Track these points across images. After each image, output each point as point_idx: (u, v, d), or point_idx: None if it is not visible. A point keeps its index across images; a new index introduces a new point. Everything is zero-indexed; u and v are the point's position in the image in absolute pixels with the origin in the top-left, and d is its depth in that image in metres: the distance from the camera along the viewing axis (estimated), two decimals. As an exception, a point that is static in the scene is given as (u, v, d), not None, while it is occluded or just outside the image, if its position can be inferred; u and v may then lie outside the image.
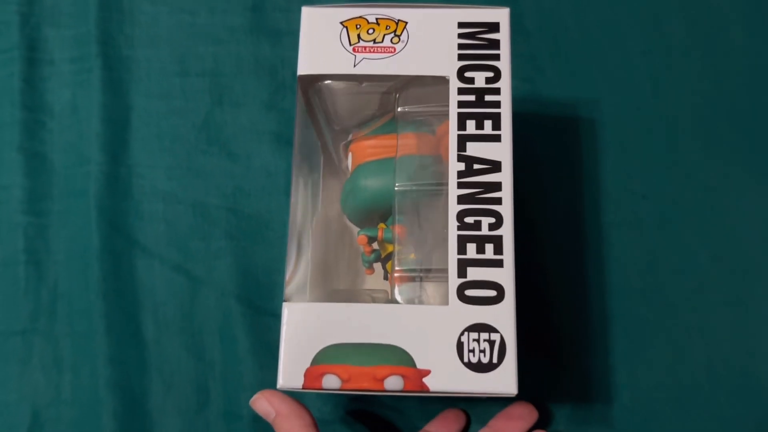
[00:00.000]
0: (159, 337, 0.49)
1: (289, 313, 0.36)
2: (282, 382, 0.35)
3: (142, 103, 0.53)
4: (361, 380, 0.35)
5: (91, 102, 0.53)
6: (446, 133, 0.38)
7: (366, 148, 0.43)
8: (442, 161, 0.40)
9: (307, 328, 0.36)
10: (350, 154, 0.44)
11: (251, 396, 0.48)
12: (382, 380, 0.35)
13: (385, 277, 0.44)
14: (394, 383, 0.35)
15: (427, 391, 0.34)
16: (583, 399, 0.48)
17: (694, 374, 0.49)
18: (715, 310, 0.50)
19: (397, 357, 0.35)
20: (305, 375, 0.35)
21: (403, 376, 0.35)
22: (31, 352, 0.49)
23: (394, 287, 0.40)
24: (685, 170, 0.52)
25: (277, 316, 0.49)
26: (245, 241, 0.50)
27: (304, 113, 0.41)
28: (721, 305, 0.50)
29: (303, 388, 0.35)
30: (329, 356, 0.35)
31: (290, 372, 0.35)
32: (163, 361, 0.49)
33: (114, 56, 0.54)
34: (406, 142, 0.41)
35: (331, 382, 0.35)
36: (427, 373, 0.35)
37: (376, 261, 0.44)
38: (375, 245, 0.43)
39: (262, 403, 0.40)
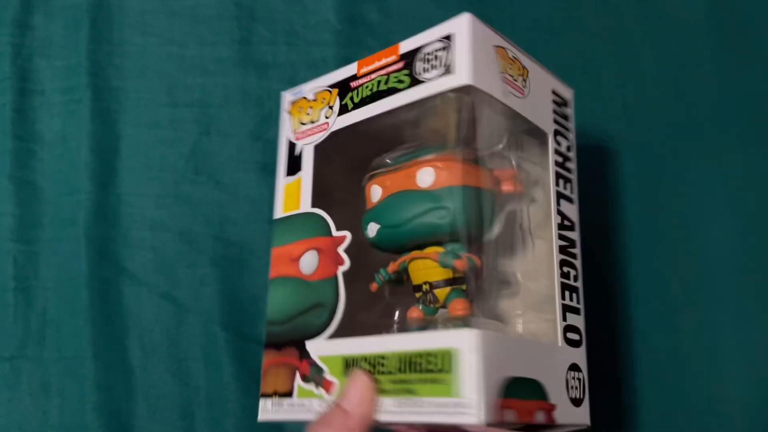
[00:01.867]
0: (145, 362, 0.50)
1: (482, 342, 0.34)
2: (483, 417, 0.33)
3: (131, 132, 0.55)
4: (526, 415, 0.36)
5: (81, 131, 0.54)
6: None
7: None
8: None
9: (493, 359, 0.34)
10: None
11: (235, 421, 0.49)
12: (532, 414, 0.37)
13: (425, 302, 0.42)
14: (540, 417, 0.37)
15: (553, 424, 0.38)
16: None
17: (662, 399, 0.50)
18: (685, 335, 0.51)
19: (541, 392, 0.37)
20: (494, 407, 0.34)
21: (546, 411, 0.38)
22: (20, 378, 0.50)
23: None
24: (656, 198, 0.54)
25: (260, 343, 0.50)
26: (231, 269, 0.52)
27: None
28: (691, 331, 0.51)
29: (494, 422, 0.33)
30: (514, 390, 0.35)
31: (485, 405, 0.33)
32: (149, 386, 0.50)
33: (104, 87, 0.55)
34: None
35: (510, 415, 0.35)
36: (553, 407, 0.38)
37: (389, 280, 0.44)
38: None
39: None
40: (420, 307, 0.42)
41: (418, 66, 0.40)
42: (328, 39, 0.56)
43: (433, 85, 0.39)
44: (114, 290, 0.51)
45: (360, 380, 0.36)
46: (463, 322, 0.40)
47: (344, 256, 0.41)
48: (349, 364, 0.38)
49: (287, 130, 0.46)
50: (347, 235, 0.41)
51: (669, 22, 0.56)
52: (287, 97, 0.46)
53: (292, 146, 0.45)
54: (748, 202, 0.53)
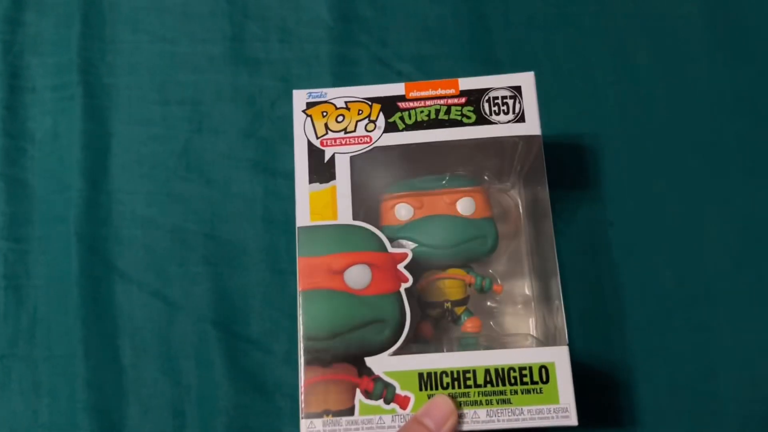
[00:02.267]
0: (136, 361, 0.50)
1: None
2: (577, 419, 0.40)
3: (123, 130, 0.55)
4: None
5: (72, 129, 0.54)
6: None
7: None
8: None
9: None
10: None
11: (227, 420, 0.49)
12: None
13: (446, 319, 0.48)
14: None
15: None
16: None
17: (656, 397, 0.50)
18: (679, 333, 0.51)
19: None
20: None
21: None
22: (10, 377, 0.50)
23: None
24: (651, 197, 0.54)
25: (252, 341, 0.50)
26: (222, 267, 0.52)
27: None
28: (684, 329, 0.51)
29: None
30: None
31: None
32: (140, 385, 0.50)
33: (95, 84, 0.55)
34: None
35: None
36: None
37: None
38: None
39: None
40: (431, 324, 0.47)
41: (486, 107, 0.44)
42: (322, 36, 0.56)
43: (505, 128, 0.44)
44: (105, 288, 0.51)
45: (444, 401, 0.39)
46: (476, 337, 0.47)
47: (407, 273, 0.43)
48: (427, 378, 0.40)
49: (307, 132, 0.45)
50: (408, 253, 0.43)
51: (663, 19, 0.56)
52: (301, 97, 0.46)
53: (318, 152, 0.44)
54: (743, 198, 0.53)
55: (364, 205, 0.45)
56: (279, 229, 0.52)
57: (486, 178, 0.50)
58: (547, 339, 0.46)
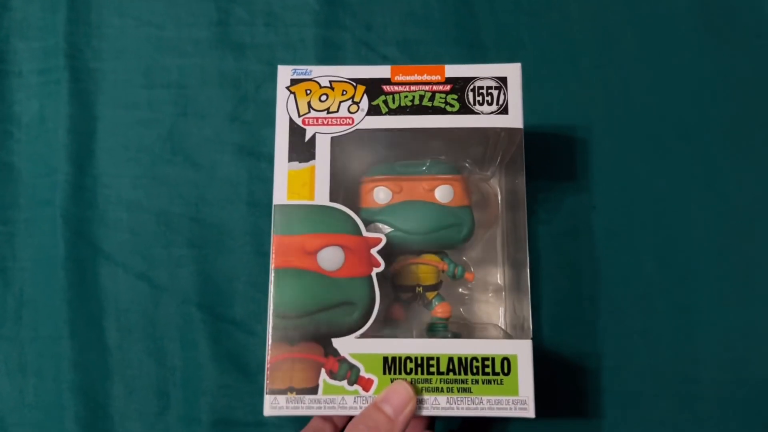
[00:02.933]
0: (121, 342, 0.51)
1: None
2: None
3: (109, 114, 0.55)
4: None
5: (58, 113, 0.55)
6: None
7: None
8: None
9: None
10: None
11: (211, 401, 0.50)
12: None
13: (417, 302, 0.49)
14: None
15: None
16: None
17: (638, 379, 0.51)
18: (660, 316, 0.52)
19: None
20: None
21: None
22: (-3, 357, 0.51)
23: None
24: (633, 181, 0.54)
25: (236, 323, 0.51)
26: (207, 249, 0.52)
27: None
28: (666, 312, 0.52)
29: None
30: None
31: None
32: (125, 366, 0.50)
33: (81, 68, 0.55)
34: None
35: None
36: None
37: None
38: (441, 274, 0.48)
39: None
40: (402, 306, 0.48)
41: (470, 96, 0.44)
42: (307, 20, 0.56)
43: (488, 119, 0.44)
44: (90, 271, 0.52)
45: (403, 387, 0.40)
46: (445, 322, 0.47)
47: (379, 258, 0.43)
48: (391, 363, 0.41)
49: (290, 109, 0.45)
50: (382, 237, 0.43)
51: (649, 4, 0.56)
52: (286, 72, 0.45)
53: (299, 130, 0.44)
54: (727, 184, 0.54)
55: (342, 186, 0.45)
56: (263, 212, 0.53)
57: (467, 165, 0.50)
58: (515, 329, 0.47)
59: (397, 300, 0.48)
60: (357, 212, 0.44)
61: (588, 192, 0.54)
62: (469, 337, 0.48)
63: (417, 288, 0.47)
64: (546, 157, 0.54)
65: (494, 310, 0.50)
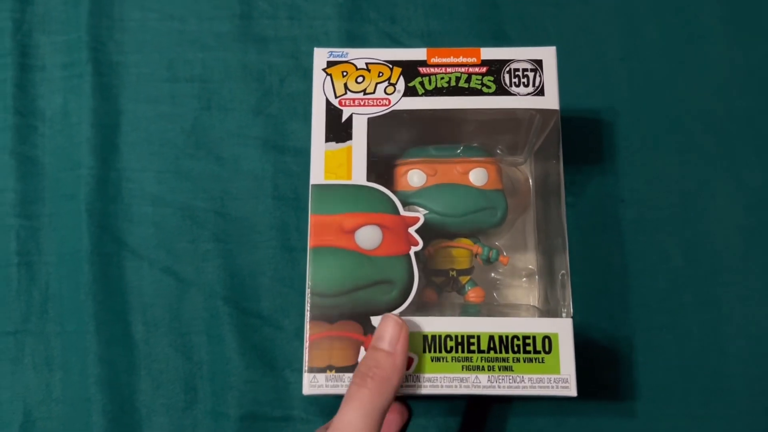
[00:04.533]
0: (147, 337, 0.52)
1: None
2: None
3: (132, 107, 0.56)
4: None
5: (81, 107, 0.55)
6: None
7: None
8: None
9: None
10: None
11: (238, 395, 0.51)
12: None
13: (451, 287, 0.49)
14: None
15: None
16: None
17: (667, 374, 0.51)
18: (688, 310, 0.52)
19: None
20: None
21: None
22: (23, 352, 0.52)
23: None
24: (662, 174, 0.55)
25: (262, 317, 0.52)
26: (232, 244, 0.53)
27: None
28: (694, 306, 0.52)
29: None
30: None
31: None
32: (151, 360, 0.51)
33: (104, 62, 0.56)
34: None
35: None
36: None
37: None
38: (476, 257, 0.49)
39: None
40: (435, 290, 0.48)
41: (506, 78, 0.45)
42: (330, 12, 0.57)
43: (525, 100, 0.45)
44: (116, 265, 0.53)
45: (391, 321, 0.40)
46: (478, 307, 0.48)
47: (417, 237, 0.44)
48: (431, 341, 0.42)
49: (326, 90, 0.45)
50: (420, 217, 0.44)
51: (674, -6, 0.57)
52: (322, 55, 0.46)
53: (336, 111, 0.45)
54: (753, 176, 0.54)
55: (376, 168, 0.46)
56: (289, 206, 0.54)
57: (499, 151, 0.51)
58: (548, 313, 0.47)
59: (430, 284, 0.48)
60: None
61: (611, 182, 0.54)
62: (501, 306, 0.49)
63: (450, 272, 0.48)
64: (571, 147, 0.54)
65: (526, 296, 0.50)
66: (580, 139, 0.55)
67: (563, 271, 0.45)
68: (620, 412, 0.51)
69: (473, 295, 0.48)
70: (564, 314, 0.44)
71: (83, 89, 0.56)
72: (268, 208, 0.54)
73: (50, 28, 0.57)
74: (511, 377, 0.41)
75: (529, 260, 0.51)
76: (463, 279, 0.48)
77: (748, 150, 0.55)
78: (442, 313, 0.47)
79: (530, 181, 0.52)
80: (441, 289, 0.49)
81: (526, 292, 0.51)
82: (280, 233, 0.53)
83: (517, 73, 0.45)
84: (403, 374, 0.39)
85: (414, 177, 0.47)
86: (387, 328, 0.40)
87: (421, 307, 0.45)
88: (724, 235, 0.54)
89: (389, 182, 0.48)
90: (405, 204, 0.45)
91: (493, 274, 0.51)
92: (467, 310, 0.48)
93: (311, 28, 0.57)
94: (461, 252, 0.48)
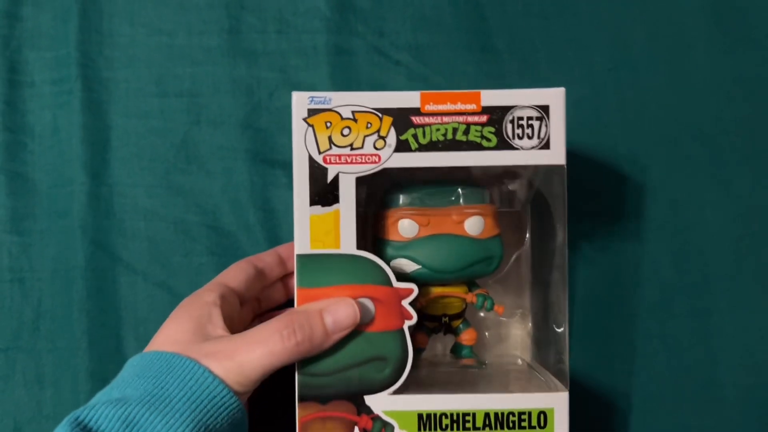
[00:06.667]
0: (140, 352, 0.53)
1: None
2: None
3: (122, 123, 0.58)
4: None
5: (71, 123, 0.57)
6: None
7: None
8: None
9: None
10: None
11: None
12: None
13: (443, 331, 0.50)
14: None
15: None
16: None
17: (657, 383, 0.54)
18: (678, 320, 0.55)
19: None
20: None
21: None
22: (14, 369, 0.54)
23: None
24: (650, 184, 0.57)
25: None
26: (226, 257, 0.55)
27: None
28: (683, 316, 0.55)
29: None
30: None
31: None
32: (144, 376, 0.53)
33: (93, 78, 0.58)
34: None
35: None
36: None
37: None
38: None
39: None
40: (426, 334, 0.49)
41: (509, 129, 0.43)
42: (319, 26, 0.59)
43: (528, 155, 0.43)
44: (109, 280, 0.55)
45: (352, 309, 0.41)
46: (472, 347, 0.49)
47: (411, 310, 0.43)
48: (426, 420, 0.42)
49: (308, 145, 0.43)
50: (414, 288, 0.43)
51: (661, 5, 0.59)
52: (302, 101, 0.43)
53: (320, 170, 0.42)
54: (743, 185, 0.57)
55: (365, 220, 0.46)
56: (281, 218, 0.56)
57: (496, 200, 0.50)
58: (539, 350, 0.49)
59: (422, 328, 0.49)
60: (380, 243, 0.45)
61: (600, 194, 0.57)
62: (494, 363, 0.50)
63: (443, 318, 0.48)
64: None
65: (519, 334, 0.53)
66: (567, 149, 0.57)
67: (562, 330, 0.46)
68: (611, 421, 0.53)
69: (466, 337, 0.49)
70: (557, 377, 0.45)
71: (73, 105, 0.57)
72: (260, 220, 0.56)
73: (39, 44, 0.59)
74: None
75: (524, 298, 0.53)
76: (456, 323, 0.49)
77: (737, 159, 0.57)
78: (434, 378, 0.48)
79: (528, 220, 0.52)
80: (432, 332, 0.50)
81: (518, 329, 0.53)
82: (272, 245, 0.55)
83: (520, 122, 0.42)
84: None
85: (405, 226, 0.46)
86: (344, 311, 0.41)
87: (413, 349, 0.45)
88: (713, 244, 0.56)
89: (378, 230, 0.47)
90: (395, 257, 0.45)
91: (482, 314, 0.52)
92: (460, 352, 0.50)
93: (299, 42, 0.59)
94: (455, 300, 0.48)
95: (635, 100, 0.58)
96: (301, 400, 0.43)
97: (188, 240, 0.56)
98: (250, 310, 0.50)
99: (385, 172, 0.43)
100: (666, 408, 0.54)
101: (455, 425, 0.42)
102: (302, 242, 0.42)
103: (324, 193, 0.42)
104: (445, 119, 0.42)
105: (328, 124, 0.43)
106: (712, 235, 0.56)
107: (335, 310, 0.41)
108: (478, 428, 0.43)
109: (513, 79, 0.58)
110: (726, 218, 0.56)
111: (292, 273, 0.46)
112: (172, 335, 0.43)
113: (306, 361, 0.42)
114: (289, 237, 0.55)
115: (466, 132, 0.42)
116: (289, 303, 0.53)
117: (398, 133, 0.42)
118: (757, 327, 0.55)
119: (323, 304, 0.42)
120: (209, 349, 0.41)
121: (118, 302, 0.55)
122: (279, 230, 0.56)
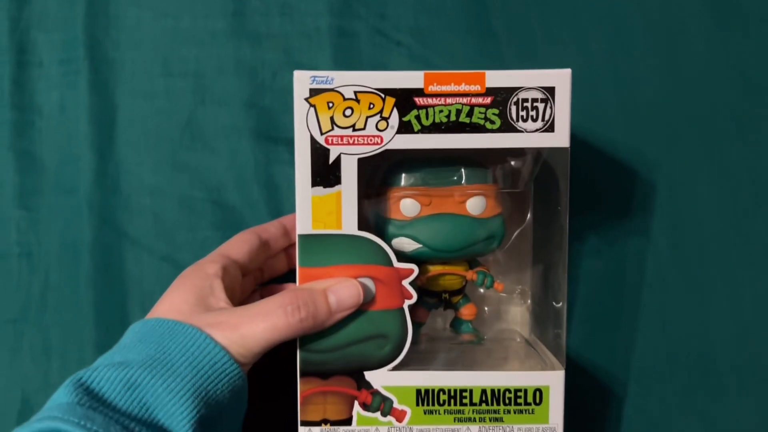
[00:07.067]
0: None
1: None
2: None
3: (128, 103, 0.59)
4: None
5: (78, 102, 0.59)
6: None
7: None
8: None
9: None
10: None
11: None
12: None
13: (443, 307, 0.51)
14: None
15: None
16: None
17: (654, 359, 0.55)
18: (674, 297, 0.57)
19: None
20: None
21: None
22: (22, 341, 0.56)
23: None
24: (647, 164, 0.59)
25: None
26: (230, 232, 0.56)
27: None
28: (680, 292, 0.56)
29: None
30: None
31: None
32: (149, 348, 0.54)
33: (100, 58, 0.60)
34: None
35: None
36: None
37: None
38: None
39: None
40: (426, 309, 0.50)
41: (513, 111, 0.42)
42: (321, 9, 0.61)
43: (532, 138, 0.43)
44: (115, 255, 0.57)
45: (357, 290, 0.43)
46: (471, 322, 0.51)
47: (411, 290, 0.44)
48: (424, 395, 0.44)
49: (310, 126, 0.43)
50: (414, 268, 0.44)
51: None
52: (304, 80, 0.43)
53: (322, 150, 0.42)
54: (737, 166, 0.58)
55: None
56: (284, 194, 0.58)
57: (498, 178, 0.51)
58: (538, 326, 0.50)
59: (422, 303, 0.50)
60: (382, 222, 0.46)
61: (599, 177, 0.58)
62: (493, 339, 0.51)
63: (443, 295, 0.50)
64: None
65: (519, 310, 0.54)
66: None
67: (560, 307, 0.47)
68: (607, 393, 0.55)
69: (466, 312, 0.50)
70: (556, 355, 0.47)
71: (80, 85, 0.59)
72: (263, 195, 0.57)
73: (47, 26, 0.60)
74: (501, 428, 0.44)
75: (525, 276, 0.54)
76: (456, 299, 0.50)
77: (732, 142, 0.58)
78: (433, 352, 0.49)
79: (531, 197, 0.53)
80: (432, 307, 0.51)
81: (518, 306, 0.54)
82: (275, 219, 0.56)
83: (525, 104, 0.42)
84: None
85: (407, 206, 0.46)
86: (348, 291, 0.43)
87: (412, 323, 0.46)
88: (708, 219, 0.58)
89: (381, 209, 0.48)
90: (397, 235, 0.46)
91: (482, 290, 0.53)
92: (460, 327, 0.51)
93: (302, 24, 0.60)
94: (455, 277, 0.49)
95: (631, 83, 0.59)
96: (302, 375, 0.44)
97: (193, 215, 0.57)
98: (252, 280, 0.52)
99: (388, 152, 0.43)
100: (660, 382, 0.55)
101: (452, 401, 0.44)
102: (304, 223, 0.43)
103: (326, 174, 0.42)
104: (449, 101, 0.42)
105: (330, 105, 0.42)
106: (707, 214, 0.58)
107: (339, 290, 0.43)
108: (475, 404, 0.44)
109: (512, 62, 0.60)
110: (720, 198, 0.58)
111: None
112: (175, 304, 0.44)
113: (308, 338, 0.43)
114: (292, 210, 0.56)
115: (470, 114, 0.42)
116: (291, 273, 0.54)
117: (401, 115, 0.42)
118: (751, 302, 0.56)
119: (328, 283, 0.43)
120: (212, 319, 0.42)
121: (124, 276, 0.56)
122: (281, 205, 0.57)
